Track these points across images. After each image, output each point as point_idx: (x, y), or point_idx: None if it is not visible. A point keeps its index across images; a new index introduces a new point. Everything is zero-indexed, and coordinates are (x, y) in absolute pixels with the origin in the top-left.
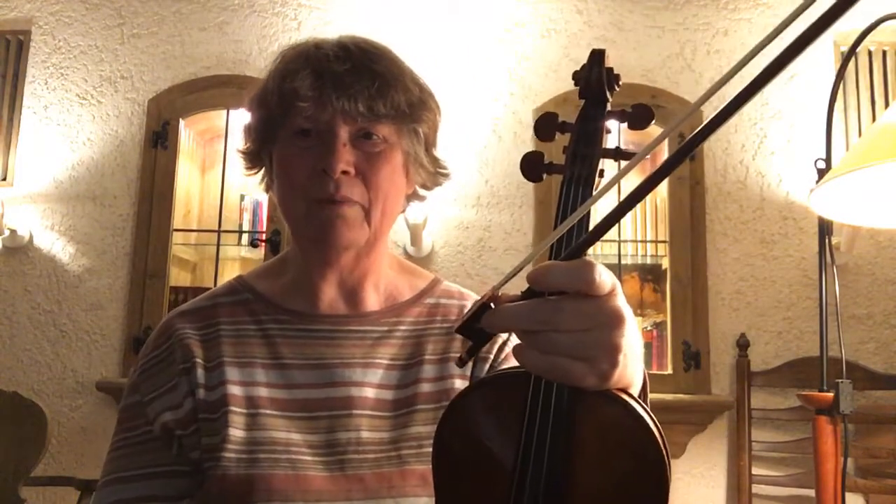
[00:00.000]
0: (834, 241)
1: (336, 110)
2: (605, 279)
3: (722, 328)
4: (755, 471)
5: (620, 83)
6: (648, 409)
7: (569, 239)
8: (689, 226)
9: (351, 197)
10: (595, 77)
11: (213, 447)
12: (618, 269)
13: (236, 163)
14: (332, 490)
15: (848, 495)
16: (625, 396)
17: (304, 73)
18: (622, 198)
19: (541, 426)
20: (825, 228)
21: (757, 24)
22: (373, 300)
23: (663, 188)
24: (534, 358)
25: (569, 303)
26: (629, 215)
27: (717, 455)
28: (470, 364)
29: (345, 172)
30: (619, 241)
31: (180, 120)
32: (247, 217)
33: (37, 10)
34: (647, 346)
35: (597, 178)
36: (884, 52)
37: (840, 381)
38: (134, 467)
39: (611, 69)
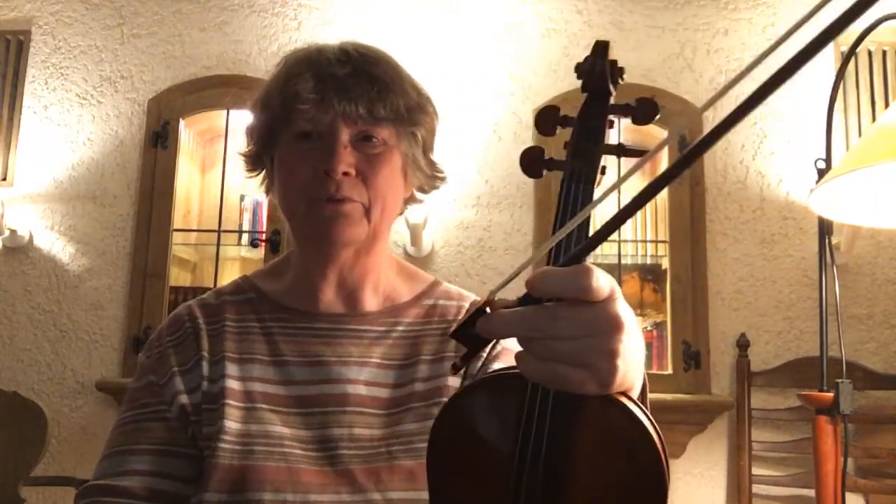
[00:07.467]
0: (834, 241)
1: (337, 113)
2: (602, 284)
3: (722, 328)
4: (755, 471)
5: (624, 77)
6: (648, 413)
7: (569, 241)
8: (689, 226)
9: (351, 196)
10: (599, 69)
11: (211, 436)
12: (618, 270)
13: (236, 163)
14: (321, 483)
15: (848, 495)
16: (623, 400)
17: (305, 76)
18: (622, 199)
19: (538, 428)
20: (825, 228)
21: (757, 24)
22: (371, 301)
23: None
24: (532, 364)
25: (565, 310)
26: None
27: (717, 455)
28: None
29: (346, 174)
30: (619, 241)
31: (180, 120)
32: (247, 217)
33: (37, 10)
34: (648, 346)
35: (598, 175)
36: (884, 52)
37: (840, 381)
38: (148, 441)
39: (615, 62)
